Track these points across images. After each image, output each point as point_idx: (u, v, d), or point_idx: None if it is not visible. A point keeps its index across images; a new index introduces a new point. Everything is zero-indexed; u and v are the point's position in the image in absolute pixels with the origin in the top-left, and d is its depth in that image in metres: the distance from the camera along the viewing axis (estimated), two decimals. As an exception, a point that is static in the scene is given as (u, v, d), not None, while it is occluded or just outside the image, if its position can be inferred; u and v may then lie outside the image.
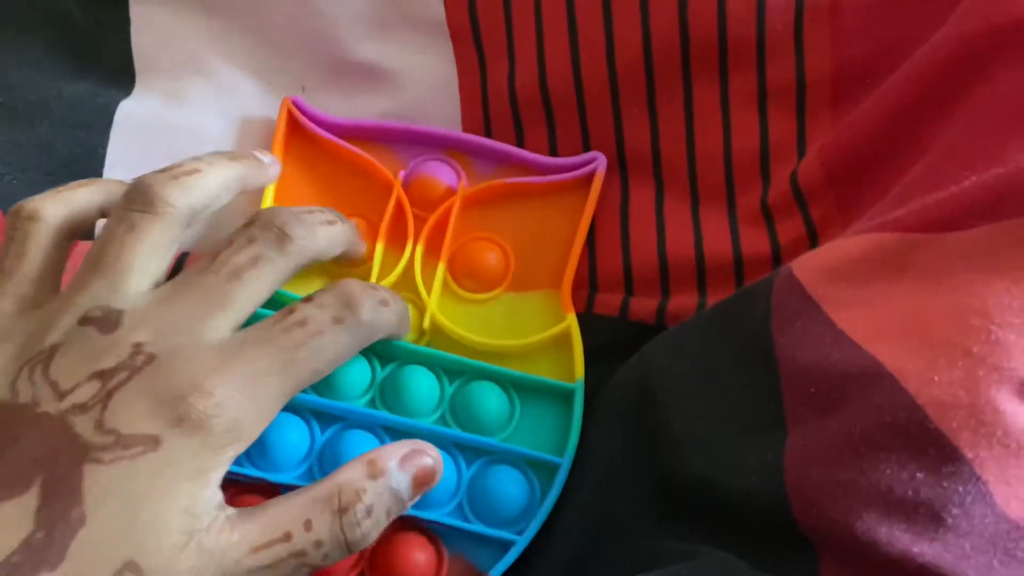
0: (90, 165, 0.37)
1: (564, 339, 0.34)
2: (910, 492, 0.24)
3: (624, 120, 0.36)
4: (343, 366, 0.32)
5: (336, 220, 0.32)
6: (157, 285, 0.28)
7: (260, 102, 0.39)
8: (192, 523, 0.25)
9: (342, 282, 0.29)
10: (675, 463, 0.29)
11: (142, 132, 0.38)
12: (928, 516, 0.23)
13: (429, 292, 0.35)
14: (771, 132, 0.34)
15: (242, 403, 0.26)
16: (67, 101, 0.38)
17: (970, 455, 0.23)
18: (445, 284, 0.35)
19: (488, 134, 0.38)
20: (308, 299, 0.28)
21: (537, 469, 0.33)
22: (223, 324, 0.27)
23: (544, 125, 0.37)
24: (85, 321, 0.26)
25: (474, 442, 0.33)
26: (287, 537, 0.26)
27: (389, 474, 0.28)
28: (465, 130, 0.38)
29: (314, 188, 0.37)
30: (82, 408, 0.25)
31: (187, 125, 0.38)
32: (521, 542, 0.32)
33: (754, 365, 0.28)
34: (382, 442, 0.33)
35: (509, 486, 0.33)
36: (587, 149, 0.37)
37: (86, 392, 0.25)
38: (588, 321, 0.35)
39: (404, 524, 0.32)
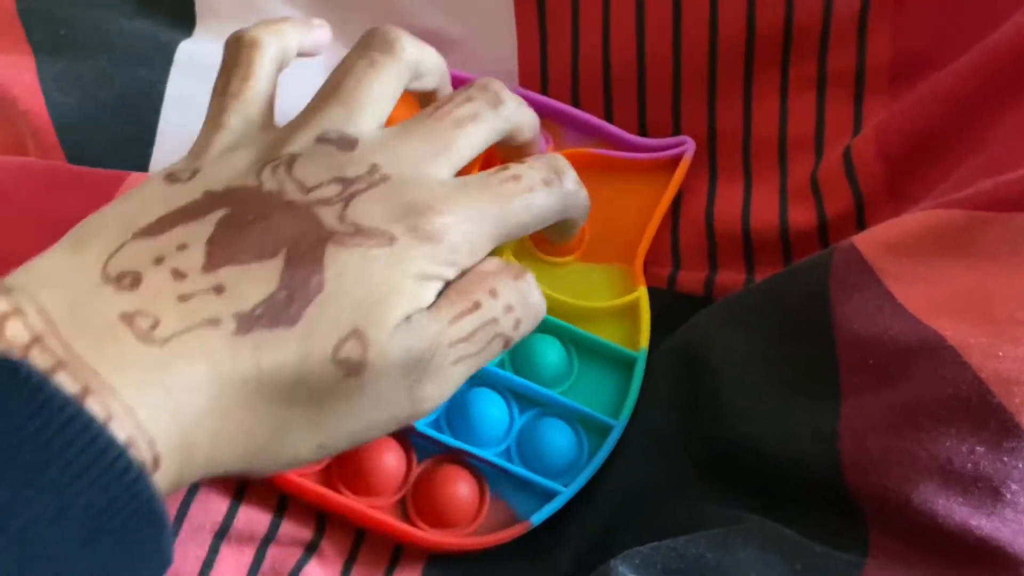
0: (148, 101, 0.37)
1: (632, 309, 0.35)
2: (969, 465, 0.24)
3: (683, 101, 0.37)
4: None
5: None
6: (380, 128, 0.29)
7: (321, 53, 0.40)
8: (413, 311, 0.25)
9: (551, 154, 0.30)
10: (723, 430, 0.29)
11: (202, 73, 0.37)
12: (987, 490, 0.24)
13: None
14: (827, 118, 0.36)
15: (465, 233, 0.26)
16: (128, 37, 0.38)
17: None
18: (521, 241, 0.36)
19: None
20: (520, 162, 0.29)
21: (588, 428, 0.33)
22: (445, 167, 0.28)
23: (601, 104, 0.38)
24: (322, 139, 0.27)
25: (531, 391, 0.33)
26: (476, 306, 0.26)
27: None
28: None
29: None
30: (326, 202, 0.25)
31: None
32: (566, 494, 0.31)
33: (808, 335, 0.28)
34: None
35: (559, 439, 0.33)
36: (643, 128, 0.38)
37: (329, 191, 0.26)
38: None
39: (452, 458, 0.32)
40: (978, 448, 0.24)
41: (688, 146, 0.37)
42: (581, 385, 0.34)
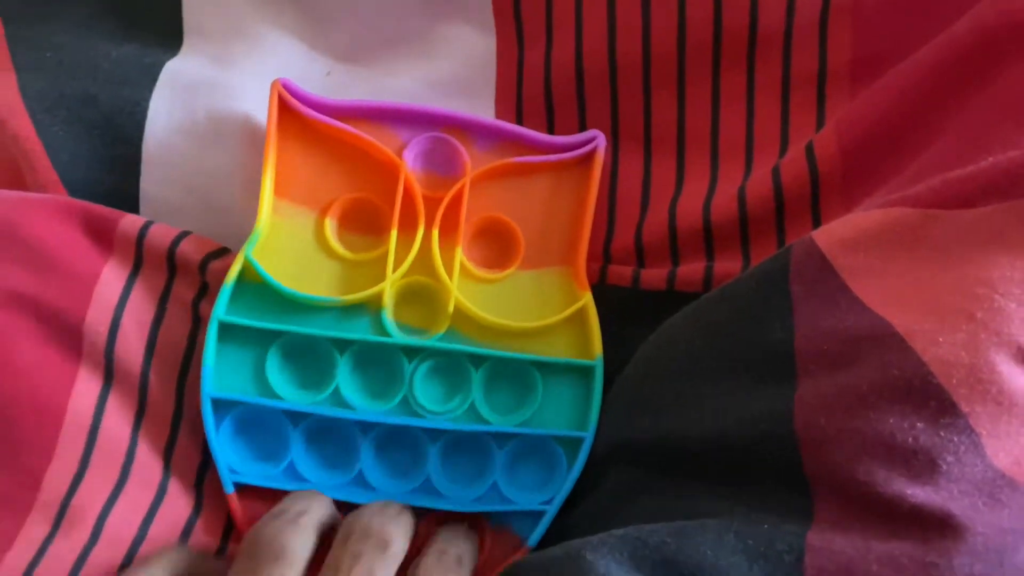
0: (132, 119, 0.37)
1: (581, 317, 0.36)
2: (910, 440, 0.26)
3: (653, 103, 0.37)
4: (376, 369, 0.35)
5: (403, 507, 0.33)
6: None
7: (303, 66, 0.39)
8: None
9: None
10: (684, 425, 0.31)
11: (185, 90, 0.37)
12: (925, 462, 0.26)
13: (450, 275, 0.35)
14: (792, 118, 0.36)
15: None
16: (114, 60, 0.37)
17: (966, 409, 0.26)
18: (461, 266, 0.36)
19: (519, 111, 0.38)
20: None
21: (562, 442, 0.35)
22: None
23: (575, 104, 0.38)
24: None
25: (504, 431, 0.35)
26: None
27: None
28: (498, 105, 0.38)
29: (315, 171, 0.36)
30: None
31: (229, 85, 0.37)
32: (551, 511, 0.34)
33: (769, 327, 0.30)
34: (423, 444, 0.35)
35: (539, 461, 0.35)
36: (615, 129, 0.38)
37: None
38: (602, 291, 0.36)
39: (449, 512, 0.34)
40: (918, 424, 0.26)
41: (599, 140, 0.37)
42: (548, 403, 0.35)
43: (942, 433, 0.26)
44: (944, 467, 0.26)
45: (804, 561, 0.26)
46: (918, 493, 0.26)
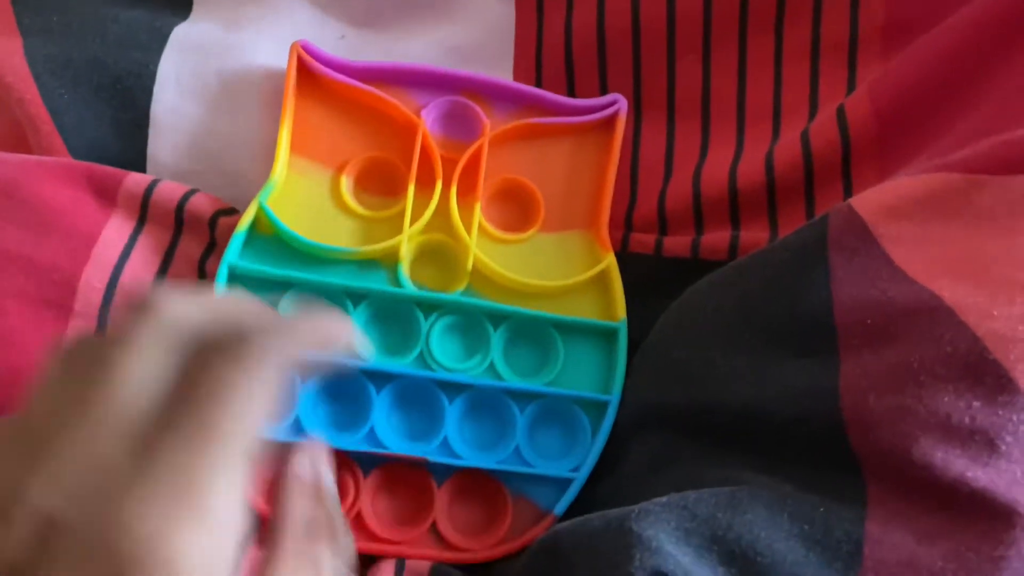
0: (140, 83, 0.36)
1: (604, 279, 0.35)
2: (967, 419, 0.25)
3: (677, 69, 0.37)
4: (391, 325, 0.33)
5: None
6: None
7: (316, 30, 0.38)
8: None
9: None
10: (720, 395, 0.29)
11: (195, 53, 0.37)
12: (983, 442, 0.25)
13: (468, 232, 0.34)
14: (822, 82, 0.36)
15: (190, 522, 0.18)
16: (123, 23, 0.37)
17: None
18: (480, 226, 0.35)
19: (538, 77, 0.38)
20: (200, 360, 0.19)
21: (586, 407, 0.33)
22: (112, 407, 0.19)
23: (596, 70, 0.37)
24: None
25: (525, 390, 0.33)
26: None
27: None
28: (516, 71, 0.38)
29: (332, 130, 0.36)
30: None
31: (240, 48, 0.37)
32: (579, 479, 0.32)
33: (805, 297, 0.29)
34: (440, 404, 0.33)
35: (562, 427, 0.33)
36: (637, 94, 0.37)
37: None
38: (624, 259, 0.35)
39: (469, 472, 0.32)
40: (975, 403, 0.25)
41: (621, 104, 0.36)
42: (571, 365, 0.34)
43: (1000, 412, 0.25)
44: (1003, 447, 0.24)
45: (863, 552, 0.25)
46: (979, 476, 0.24)
